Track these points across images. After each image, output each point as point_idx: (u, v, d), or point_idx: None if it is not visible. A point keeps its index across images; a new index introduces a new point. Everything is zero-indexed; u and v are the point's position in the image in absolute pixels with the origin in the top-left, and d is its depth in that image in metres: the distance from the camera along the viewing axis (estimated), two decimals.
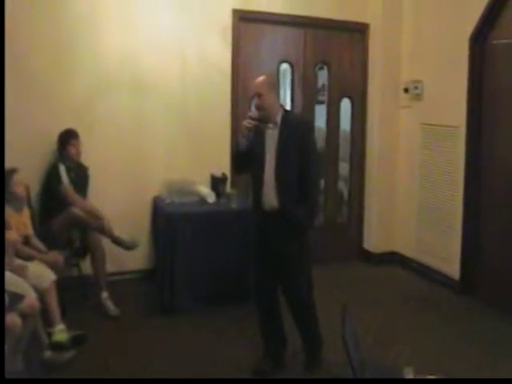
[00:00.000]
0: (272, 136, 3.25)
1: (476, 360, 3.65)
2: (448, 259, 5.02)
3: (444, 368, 3.30)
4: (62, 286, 3.62)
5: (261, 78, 3.28)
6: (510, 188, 4.50)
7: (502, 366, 3.58)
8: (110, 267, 4.34)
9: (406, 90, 5.41)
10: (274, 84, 3.40)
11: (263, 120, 3.25)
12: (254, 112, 3.28)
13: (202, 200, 4.68)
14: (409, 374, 2.37)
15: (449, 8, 4.95)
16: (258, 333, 3.52)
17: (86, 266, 4.31)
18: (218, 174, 4.92)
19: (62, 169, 4.25)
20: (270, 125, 3.26)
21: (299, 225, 3.24)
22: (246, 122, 3.23)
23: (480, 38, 4.69)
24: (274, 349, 3.45)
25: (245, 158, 3.32)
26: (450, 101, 4.95)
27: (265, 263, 3.34)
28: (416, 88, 5.29)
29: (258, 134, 3.28)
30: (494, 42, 4.63)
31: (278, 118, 3.26)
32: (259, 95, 3.22)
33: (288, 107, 5.46)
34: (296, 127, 3.26)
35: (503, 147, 4.57)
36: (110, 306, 4.12)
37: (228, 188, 4.92)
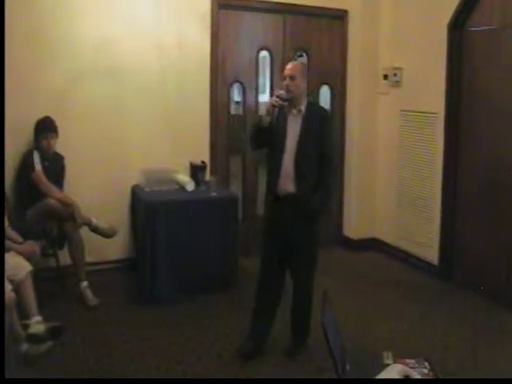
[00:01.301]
0: (295, 122, 3.32)
1: (455, 341, 3.72)
2: (427, 244, 5.07)
3: (424, 350, 3.34)
4: (39, 276, 3.56)
5: (296, 62, 3.46)
6: (486, 174, 4.55)
7: (482, 346, 3.65)
8: (89, 257, 4.30)
9: (386, 77, 5.42)
10: (306, 72, 3.45)
11: (289, 103, 3.29)
12: (283, 92, 3.26)
13: (182, 188, 4.64)
14: (388, 358, 2.37)
15: None
16: (241, 320, 3.48)
17: (65, 256, 4.24)
18: (198, 161, 4.88)
19: (37, 156, 4.16)
20: (294, 111, 3.33)
21: (313, 211, 3.31)
22: (273, 101, 3.23)
23: (458, 26, 4.70)
24: (261, 332, 3.48)
25: (264, 134, 3.34)
26: (429, 88, 4.96)
27: (275, 246, 3.39)
28: (395, 75, 5.30)
29: (281, 118, 3.33)
30: (472, 29, 4.65)
31: (303, 107, 3.34)
32: (292, 77, 3.27)
33: (267, 92, 5.47)
34: (317, 117, 3.35)
35: (481, 133, 4.61)
36: (89, 295, 4.08)
37: (207, 176, 4.89)
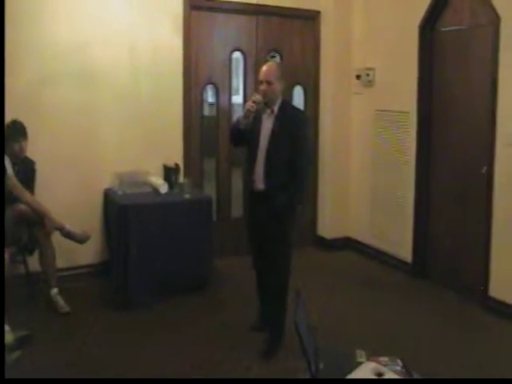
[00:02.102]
0: (267, 122, 3.43)
1: (428, 338, 3.77)
2: (400, 243, 5.11)
3: (398, 348, 3.35)
4: (7, 284, 3.46)
5: (272, 67, 3.46)
6: (457, 173, 4.62)
7: (454, 342, 3.71)
8: (61, 263, 4.22)
9: (358, 77, 5.44)
10: (281, 73, 3.49)
11: (264, 104, 3.40)
12: (258, 97, 3.36)
13: (155, 191, 4.60)
14: (361, 357, 2.36)
15: None
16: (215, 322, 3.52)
17: (34, 262, 4.15)
18: (171, 164, 4.83)
19: (7, 160, 4.08)
20: (268, 111, 3.44)
21: (281, 208, 3.38)
22: (250, 106, 3.34)
23: (429, 26, 4.76)
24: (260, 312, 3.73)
25: (242, 135, 3.48)
26: (402, 87, 5.00)
27: (254, 240, 3.62)
28: (368, 75, 5.33)
29: (256, 117, 3.42)
30: (443, 29, 4.70)
31: (276, 107, 3.43)
32: (269, 83, 3.36)
33: (241, 94, 5.45)
34: (291, 117, 3.44)
35: (452, 132, 4.66)
36: (60, 302, 3.99)
37: (181, 178, 4.85)
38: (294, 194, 3.41)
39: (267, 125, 3.42)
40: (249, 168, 3.50)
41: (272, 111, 3.43)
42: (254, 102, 3.33)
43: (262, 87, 3.37)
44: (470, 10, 4.44)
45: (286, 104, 3.58)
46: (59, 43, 4.50)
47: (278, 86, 3.40)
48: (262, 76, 3.40)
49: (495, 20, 4.09)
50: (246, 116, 3.36)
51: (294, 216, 3.51)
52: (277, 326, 3.51)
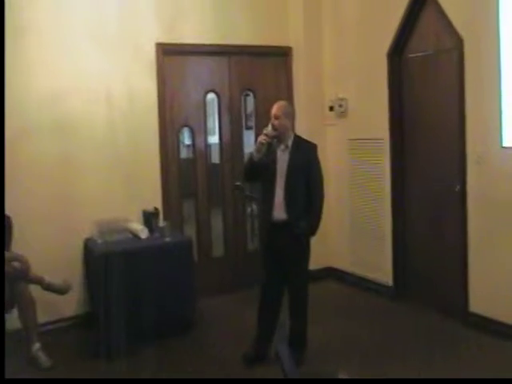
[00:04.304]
0: (283, 157, 3.73)
1: (413, 357, 3.84)
2: (381, 268, 5.12)
3: (382, 368, 3.40)
4: None
5: (281, 103, 3.82)
6: (431, 195, 4.67)
7: (438, 360, 3.76)
8: (42, 317, 4.13)
9: (331, 108, 5.50)
10: (291, 112, 3.86)
11: (277, 140, 3.70)
12: (270, 131, 3.67)
13: (135, 236, 4.57)
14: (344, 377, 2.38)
15: (367, 27, 5.11)
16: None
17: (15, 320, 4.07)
18: (150, 208, 4.83)
19: None
20: (282, 146, 3.74)
21: (303, 234, 3.70)
22: (262, 139, 3.63)
23: (396, 53, 4.86)
24: (263, 344, 3.82)
25: (256, 169, 3.75)
26: (374, 115, 5.06)
27: (274, 265, 3.81)
28: (340, 106, 5.38)
29: (271, 153, 3.72)
30: (410, 55, 4.78)
31: (290, 142, 3.75)
32: (276, 117, 3.70)
33: (217, 134, 5.49)
34: (304, 150, 3.76)
35: (424, 154, 4.72)
36: (42, 357, 3.91)
37: (161, 221, 4.82)
38: (312, 220, 3.73)
39: (283, 159, 3.71)
40: (267, 200, 3.76)
41: (286, 146, 3.73)
42: (265, 135, 3.62)
43: (272, 121, 3.70)
44: (435, 35, 4.54)
45: (299, 138, 3.86)
46: (32, 96, 4.52)
47: (286, 122, 3.72)
48: (272, 112, 3.74)
49: (459, 43, 4.18)
50: (258, 149, 3.65)
51: (309, 239, 3.82)
52: (303, 336, 3.82)
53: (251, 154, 3.76)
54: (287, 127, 3.75)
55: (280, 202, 3.70)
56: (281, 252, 3.76)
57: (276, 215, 3.72)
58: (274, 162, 3.72)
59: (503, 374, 3.47)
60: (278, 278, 3.82)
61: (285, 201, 3.69)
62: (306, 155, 3.75)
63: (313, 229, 3.77)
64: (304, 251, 3.81)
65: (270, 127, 3.68)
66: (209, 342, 4.29)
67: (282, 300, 3.88)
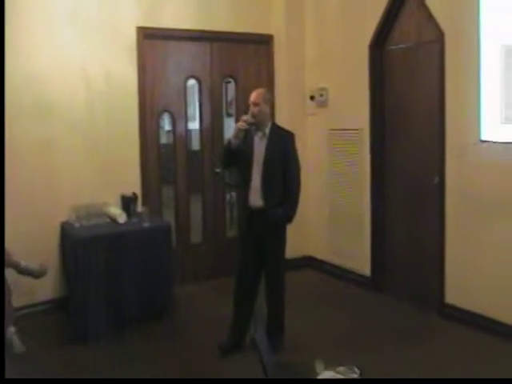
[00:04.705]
0: (260, 144, 3.74)
1: (389, 346, 3.88)
2: (359, 258, 5.16)
3: (358, 357, 3.36)
4: None
5: (260, 90, 3.83)
6: (411, 186, 4.72)
7: (413, 350, 3.80)
8: (17, 301, 4.07)
9: (312, 98, 5.51)
10: (270, 99, 3.91)
11: (255, 127, 3.72)
12: (248, 117, 3.69)
13: (113, 221, 4.54)
14: (320, 366, 2.41)
15: (349, 18, 5.12)
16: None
17: None
18: (129, 193, 4.79)
19: None
20: (260, 133, 3.75)
21: (280, 222, 3.77)
22: (240, 124, 3.66)
23: (378, 45, 4.87)
24: (240, 329, 3.84)
25: (233, 155, 3.74)
26: (354, 105, 5.09)
27: (251, 251, 3.81)
28: (321, 95, 5.40)
29: (248, 140, 3.74)
30: (391, 47, 4.81)
31: (267, 130, 3.76)
32: (255, 104, 3.71)
33: (197, 121, 5.46)
34: (281, 138, 3.79)
35: (404, 145, 4.77)
36: (16, 342, 3.85)
37: (139, 207, 4.80)
38: (289, 208, 3.77)
39: (260, 146, 3.73)
40: (244, 187, 3.79)
41: (264, 134, 3.74)
42: (244, 121, 3.64)
43: (252, 109, 3.70)
44: (417, 28, 4.57)
45: (276, 126, 3.90)
46: (10, 78, 4.41)
47: (265, 109, 3.75)
48: (251, 99, 3.74)
49: (440, 36, 4.22)
50: (236, 135, 3.66)
51: (286, 227, 3.86)
52: (281, 322, 3.88)
53: (229, 140, 3.78)
54: (266, 114, 3.78)
55: (257, 189, 3.72)
56: (258, 239, 3.78)
57: (253, 201, 3.75)
58: (251, 148, 3.74)
59: (478, 366, 3.53)
60: (255, 265, 3.84)
61: (261, 187, 3.71)
62: (283, 143, 3.78)
63: (289, 216, 3.80)
64: (280, 238, 3.85)
65: (249, 114, 3.70)
66: (185, 328, 4.31)
67: (259, 287, 3.89)
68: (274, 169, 3.72)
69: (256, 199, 3.73)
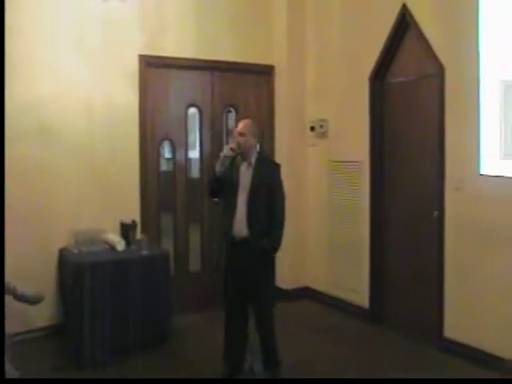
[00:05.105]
0: (246, 174, 3.73)
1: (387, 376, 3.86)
2: (358, 290, 5.14)
3: None
4: None
5: (247, 121, 3.87)
6: (410, 218, 4.72)
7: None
8: (13, 327, 4.02)
9: (312, 129, 5.55)
10: (256, 131, 3.87)
11: (241, 157, 3.74)
12: (234, 146, 3.70)
13: (112, 248, 4.52)
14: None
15: (350, 50, 5.19)
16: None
17: None
18: (128, 220, 4.78)
19: None
20: (245, 163, 3.75)
21: (265, 252, 3.70)
22: (227, 152, 3.67)
23: (378, 78, 4.92)
24: (234, 363, 3.80)
25: (218, 184, 3.76)
26: (354, 137, 5.13)
27: (237, 285, 3.74)
28: (321, 126, 5.44)
29: (234, 169, 3.73)
30: (392, 80, 4.86)
31: (253, 160, 3.77)
32: (242, 134, 3.73)
33: (197, 149, 5.48)
34: (267, 168, 3.81)
35: (404, 178, 4.78)
36: (9, 369, 3.79)
37: (138, 234, 4.79)
38: (274, 238, 3.72)
39: (247, 175, 3.73)
40: (228, 216, 3.73)
41: (250, 163, 3.74)
42: (230, 149, 3.67)
43: (237, 138, 3.73)
44: (417, 62, 4.62)
45: (262, 157, 3.93)
46: (14, 102, 4.45)
47: (251, 139, 3.75)
48: (238, 129, 3.79)
49: (440, 70, 4.26)
50: (222, 163, 3.67)
51: (274, 258, 3.84)
52: (275, 349, 3.82)
53: (213, 171, 3.77)
54: (252, 145, 3.78)
55: (242, 218, 3.68)
56: (242, 273, 3.71)
57: (237, 231, 3.69)
58: (237, 177, 3.74)
59: None
60: (242, 303, 3.78)
61: (247, 216, 3.68)
62: (269, 173, 3.79)
63: (274, 247, 3.76)
64: (268, 270, 3.81)
65: (235, 143, 3.72)
66: (184, 356, 4.28)
67: (249, 323, 3.83)
68: (259, 198, 3.70)
69: (241, 228, 3.68)
